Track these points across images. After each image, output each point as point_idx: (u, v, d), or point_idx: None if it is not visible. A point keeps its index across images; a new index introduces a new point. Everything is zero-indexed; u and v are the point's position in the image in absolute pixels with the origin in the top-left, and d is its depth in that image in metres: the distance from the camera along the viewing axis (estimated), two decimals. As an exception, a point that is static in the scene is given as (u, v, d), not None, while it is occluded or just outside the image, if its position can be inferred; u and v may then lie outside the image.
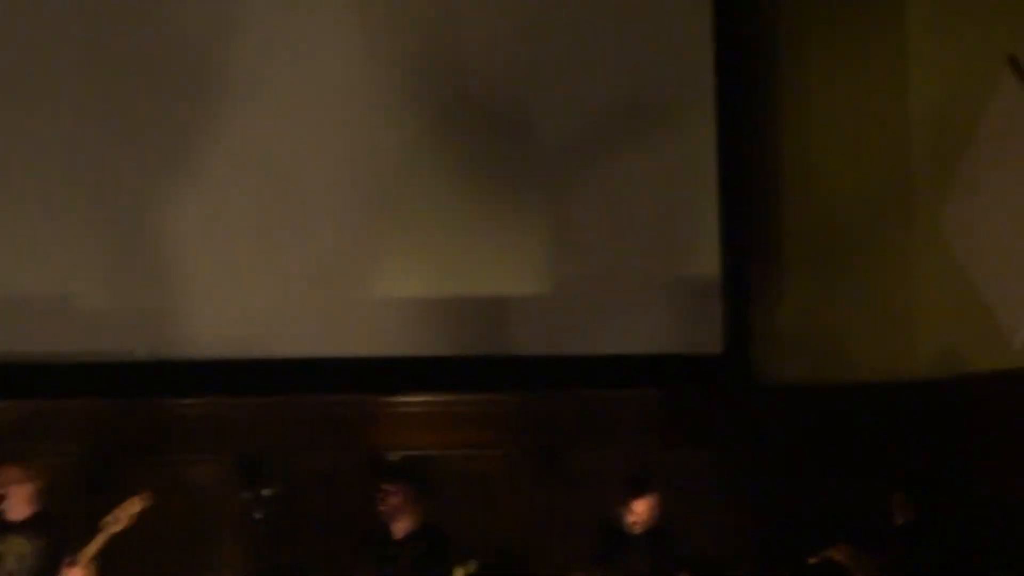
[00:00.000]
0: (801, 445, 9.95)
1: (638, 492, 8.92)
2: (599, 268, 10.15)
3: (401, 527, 8.82)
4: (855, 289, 10.28)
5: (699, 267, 10.19)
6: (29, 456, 9.50)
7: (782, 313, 10.20)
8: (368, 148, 10.21)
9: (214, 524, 9.93)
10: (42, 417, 10.00)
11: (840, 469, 9.91)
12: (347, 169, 10.19)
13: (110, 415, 10.00)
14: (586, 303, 10.12)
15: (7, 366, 10.02)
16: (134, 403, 10.03)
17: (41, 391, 10.03)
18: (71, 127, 10.11)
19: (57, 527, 8.58)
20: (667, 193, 10.19)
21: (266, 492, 9.08)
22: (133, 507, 8.46)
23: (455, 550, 8.65)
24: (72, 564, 8.32)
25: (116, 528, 8.41)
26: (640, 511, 8.92)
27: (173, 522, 9.87)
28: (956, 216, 9.87)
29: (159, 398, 10.05)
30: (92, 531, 8.50)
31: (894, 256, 10.29)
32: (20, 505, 8.52)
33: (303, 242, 10.13)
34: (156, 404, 10.06)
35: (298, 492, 9.57)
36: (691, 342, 10.11)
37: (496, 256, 10.16)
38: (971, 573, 8.74)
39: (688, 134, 10.22)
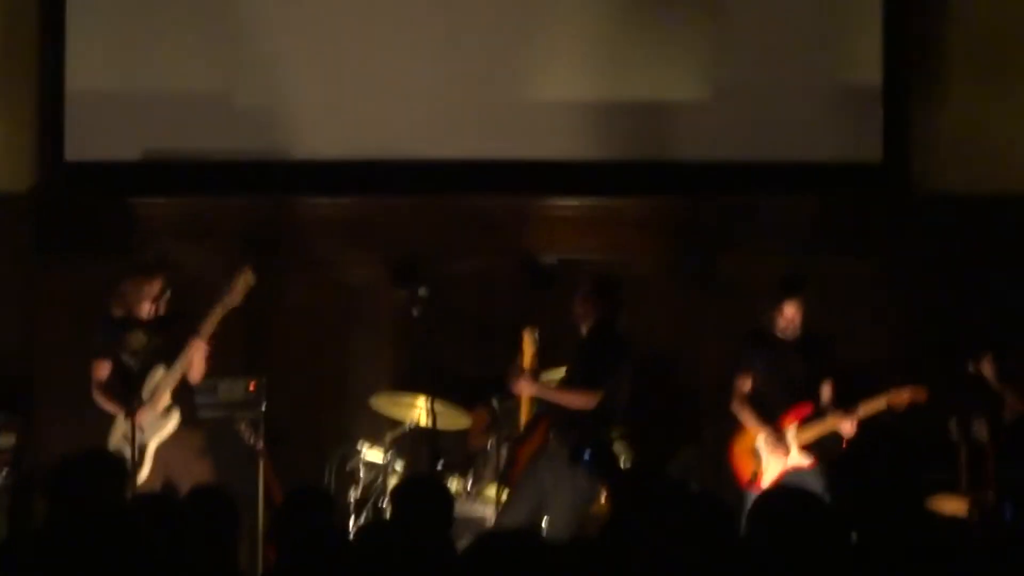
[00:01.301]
0: (958, 256, 9.82)
1: (790, 294, 8.85)
2: (759, 73, 9.95)
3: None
4: (1019, 99, 10.03)
5: (860, 73, 9.94)
6: (179, 253, 9.68)
7: (944, 122, 9.97)
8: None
9: (369, 323, 10.03)
10: (193, 215, 10.11)
11: (999, 281, 9.79)
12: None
13: (264, 213, 10.08)
14: (745, 109, 9.93)
15: (165, 164, 10.11)
16: (287, 201, 10.10)
17: (196, 189, 10.13)
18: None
19: (184, 324, 8.65)
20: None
21: (422, 291, 9.09)
22: (246, 281, 8.50)
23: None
24: (196, 336, 8.47)
25: (230, 302, 8.49)
26: (791, 314, 8.85)
27: (325, 321, 10.00)
28: None
29: (313, 197, 10.12)
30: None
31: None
32: (147, 306, 8.57)
33: (458, 43, 10.06)
34: (310, 203, 10.14)
35: (450, 293, 9.61)
36: (850, 150, 9.93)
37: (656, 60, 9.97)
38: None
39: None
